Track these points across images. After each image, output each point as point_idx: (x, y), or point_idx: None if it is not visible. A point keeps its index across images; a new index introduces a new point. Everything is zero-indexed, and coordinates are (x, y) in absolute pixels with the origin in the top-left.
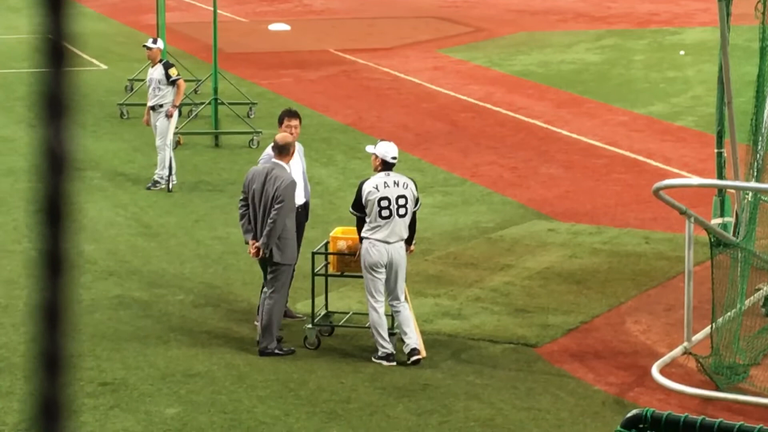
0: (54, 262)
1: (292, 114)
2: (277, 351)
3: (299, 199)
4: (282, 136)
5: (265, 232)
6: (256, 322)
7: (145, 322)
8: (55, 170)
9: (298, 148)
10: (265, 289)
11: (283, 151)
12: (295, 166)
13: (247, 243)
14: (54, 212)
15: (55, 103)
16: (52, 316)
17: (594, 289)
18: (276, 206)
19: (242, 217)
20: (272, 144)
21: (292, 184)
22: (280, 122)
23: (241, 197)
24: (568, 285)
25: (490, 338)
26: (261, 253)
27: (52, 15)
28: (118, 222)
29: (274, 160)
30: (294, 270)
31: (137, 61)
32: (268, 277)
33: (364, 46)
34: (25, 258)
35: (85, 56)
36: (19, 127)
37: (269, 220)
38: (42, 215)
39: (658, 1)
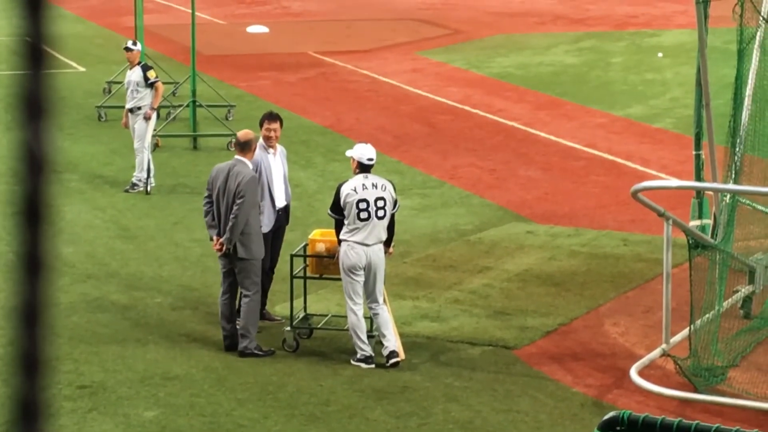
0: (33, 264)
1: (272, 117)
2: (257, 351)
3: (280, 202)
4: (243, 133)
5: (227, 228)
6: (239, 324)
7: (123, 324)
8: (34, 172)
9: (281, 150)
10: (222, 291)
11: (245, 147)
12: (277, 169)
13: (211, 239)
14: (33, 214)
15: (33, 105)
16: (30, 317)
17: (572, 291)
18: (237, 201)
19: (206, 213)
20: (234, 140)
21: (253, 180)
22: (261, 125)
23: (206, 194)
24: (547, 287)
25: (468, 340)
26: (224, 248)
27: (31, 17)
28: (96, 225)
29: (236, 156)
30: (273, 272)
31: (115, 63)
32: (238, 277)
33: (343, 49)
34: (1, 261)
35: (63, 58)
36: None
37: (231, 215)
38: (20, 217)
39: (636, 4)
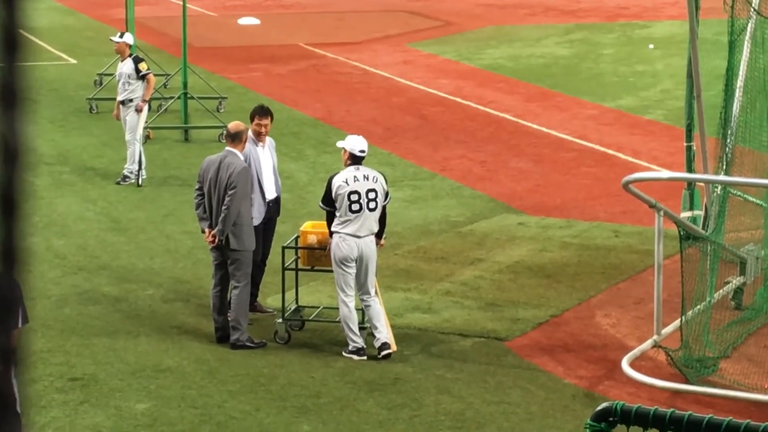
0: (9, 254)
1: (263, 112)
2: (248, 344)
3: (270, 194)
4: (234, 124)
5: (219, 219)
6: (229, 316)
7: (114, 317)
8: (9, 162)
9: (270, 142)
10: (214, 282)
11: (236, 138)
12: (266, 161)
13: (203, 231)
14: (8, 204)
15: (8, 94)
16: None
17: (564, 282)
18: (229, 192)
19: (198, 206)
20: (225, 132)
21: (245, 170)
22: (251, 120)
23: (197, 186)
24: (538, 279)
25: (460, 332)
26: (216, 240)
27: (6, 6)
28: (87, 217)
29: (227, 148)
30: (265, 264)
31: (106, 55)
32: (230, 268)
33: (334, 40)
34: None
35: (53, 50)
36: None
37: (223, 206)
38: None
39: None
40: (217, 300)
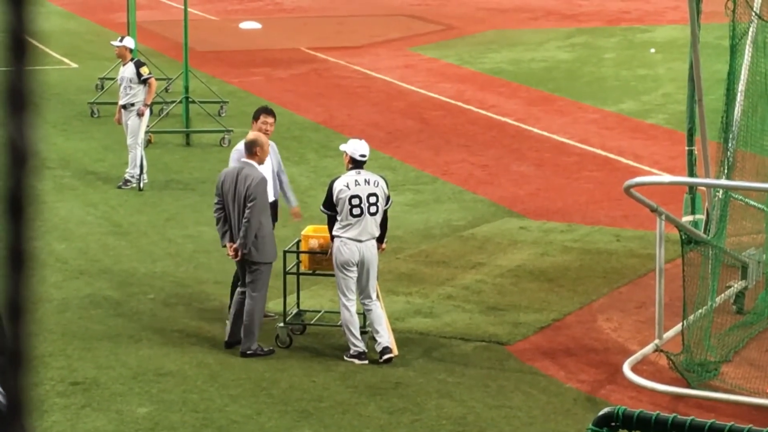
0: (16, 258)
1: (268, 111)
2: (259, 352)
3: (269, 198)
4: (249, 135)
5: (241, 233)
6: (227, 321)
7: (116, 321)
8: (17, 165)
9: (271, 146)
10: (239, 289)
11: (249, 149)
12: (266, 165)
13: (224, 246)
14: (16, 207)
15: (16, 97)
16: (15, 312)
17: (565, 286)
18: (249, 204)
19: (218, 221)
20: (243, 143)
21: (263, 181)
22: (256, 118)
23: (216, 200)
24: (540, 283)
25: (461, 336)
26: (240, 254)
27: (14, 10)
28: (88, 221)
29: (243, 159)
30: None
31: (108, 59)
32: (248, 278)
33: (335, 45)
34: None
35: (55, 54)
36: None
37: (244, 219)
38: (4, 210)
39: None
40: (238, 306)
